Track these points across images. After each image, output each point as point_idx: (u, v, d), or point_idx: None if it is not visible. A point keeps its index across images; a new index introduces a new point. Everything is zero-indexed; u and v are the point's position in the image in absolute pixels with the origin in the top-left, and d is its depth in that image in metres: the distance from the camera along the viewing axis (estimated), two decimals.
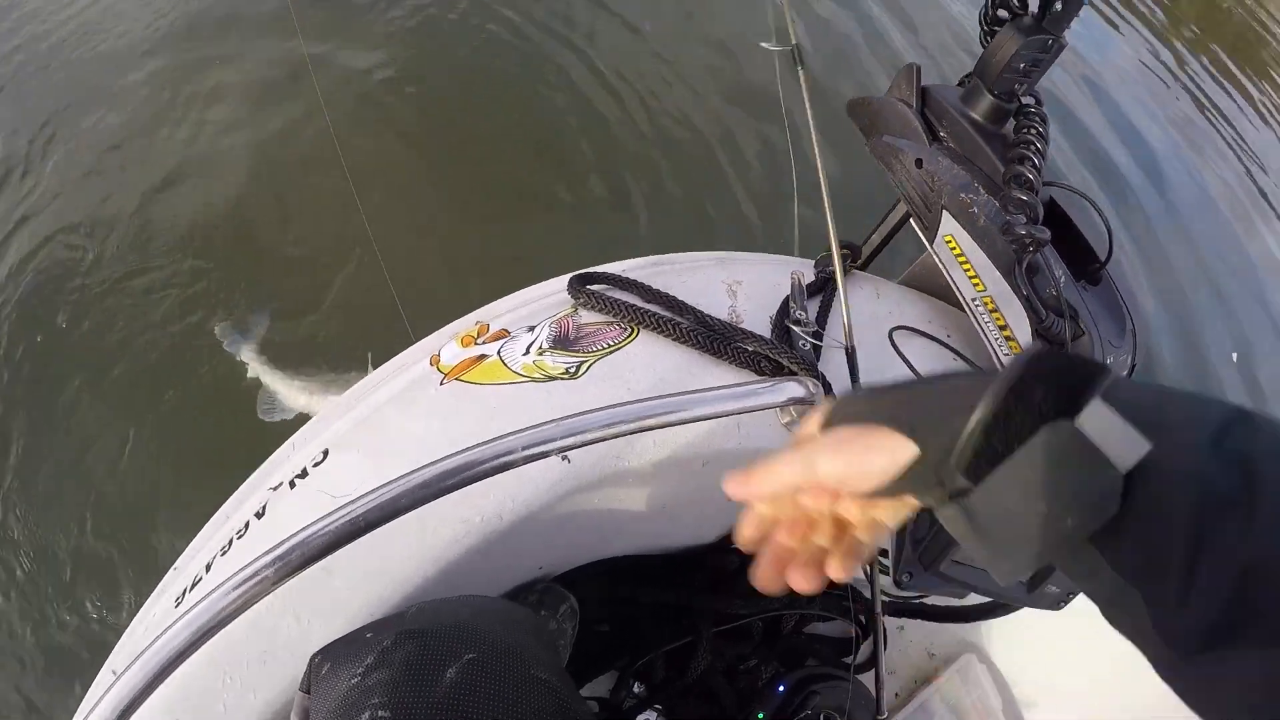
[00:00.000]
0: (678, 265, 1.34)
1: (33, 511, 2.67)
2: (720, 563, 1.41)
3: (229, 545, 1.10)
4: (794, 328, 1.13)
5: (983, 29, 1.49)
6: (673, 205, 3.53)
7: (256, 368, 2.89)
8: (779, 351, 1.08)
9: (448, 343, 1.23)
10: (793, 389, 1.01)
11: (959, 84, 1.56)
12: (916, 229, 1.53)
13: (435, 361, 1.18)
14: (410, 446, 1.06)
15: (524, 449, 0.88)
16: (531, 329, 1.18)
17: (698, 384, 1.08)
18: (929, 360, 1.40)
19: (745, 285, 1.26)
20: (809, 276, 1.32)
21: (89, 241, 3.21)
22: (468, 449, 0.88)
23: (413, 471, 0.87)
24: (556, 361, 1.10)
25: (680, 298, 1.18)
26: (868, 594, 1.55)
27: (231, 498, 1.25)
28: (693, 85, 4.05)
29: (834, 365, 1.17)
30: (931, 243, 1.49)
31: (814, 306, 1.28)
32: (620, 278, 1.23)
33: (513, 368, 1.10)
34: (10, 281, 3.11)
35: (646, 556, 1.25)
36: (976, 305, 1.47)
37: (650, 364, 1.11)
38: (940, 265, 1.51)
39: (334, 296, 3.13)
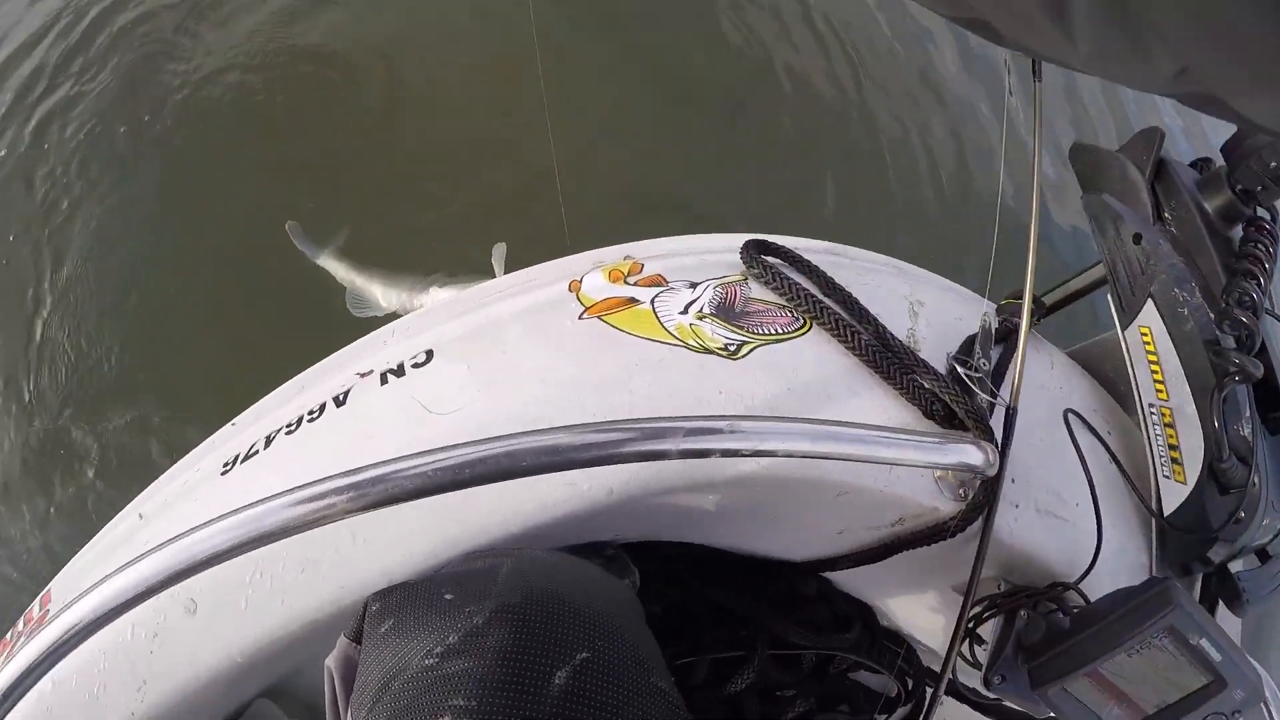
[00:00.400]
0: (858, 262, 1.22)
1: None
2: (799, 586, 1.28)
3: (297, 423, 1.00)
4: (971, 375, 0.98)
5: None
6: (859, 181, 3.26)
7: (338, 267, 2.71)
8: (956, 398, 0.95)
9: (592, 271, 1.11)
10: (971, 454, 0.90)
11: (1192, 165, 1.38)
12: (1111, 306, 1.37)
13: (575, 288, 1.06)
14: (532, 381, 0.95)
15: (684, 439, 0.75)
16: (693, 285, 1.06)
17: (863, 405, 0.98)
18: (1085, 454, 1.24)
19: (927, 309, 1.14)
20: (994, 321, 1.16)
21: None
22: (614, 425, 0.76)
23: (541, 432, 0.75)
24: (716, 332, 0.98)
25: (861, 301, 1.05)
26: (930, 663, 1.43)
27: (313, 369, 1.14)
28: (912, 63, 3.71)
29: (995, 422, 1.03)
30: (1125, 328, 1.34)
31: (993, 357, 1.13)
32: (799, 257, 1.10)
33: (666, 324, 0.98)
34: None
35: (724, 553, 1.12)
36: (1152, 413, 1.31)
37: (818, 367, 0.99)
38: (1125, 355, 1.35)
39: (467, 194, 2.94)
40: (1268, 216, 1.33)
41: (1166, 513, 1.30)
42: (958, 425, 0.99)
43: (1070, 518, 1.16)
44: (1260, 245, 1.29)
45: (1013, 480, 1.04)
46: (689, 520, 1.02)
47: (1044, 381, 1.28)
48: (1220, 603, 1.36)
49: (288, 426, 1.01)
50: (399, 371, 0.99)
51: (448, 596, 0.71)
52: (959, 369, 1.01)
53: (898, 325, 1.06)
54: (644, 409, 0.89)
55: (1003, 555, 1.09)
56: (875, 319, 1.03)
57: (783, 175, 3.20)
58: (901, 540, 1.04)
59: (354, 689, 0.70)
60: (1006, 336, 1.19)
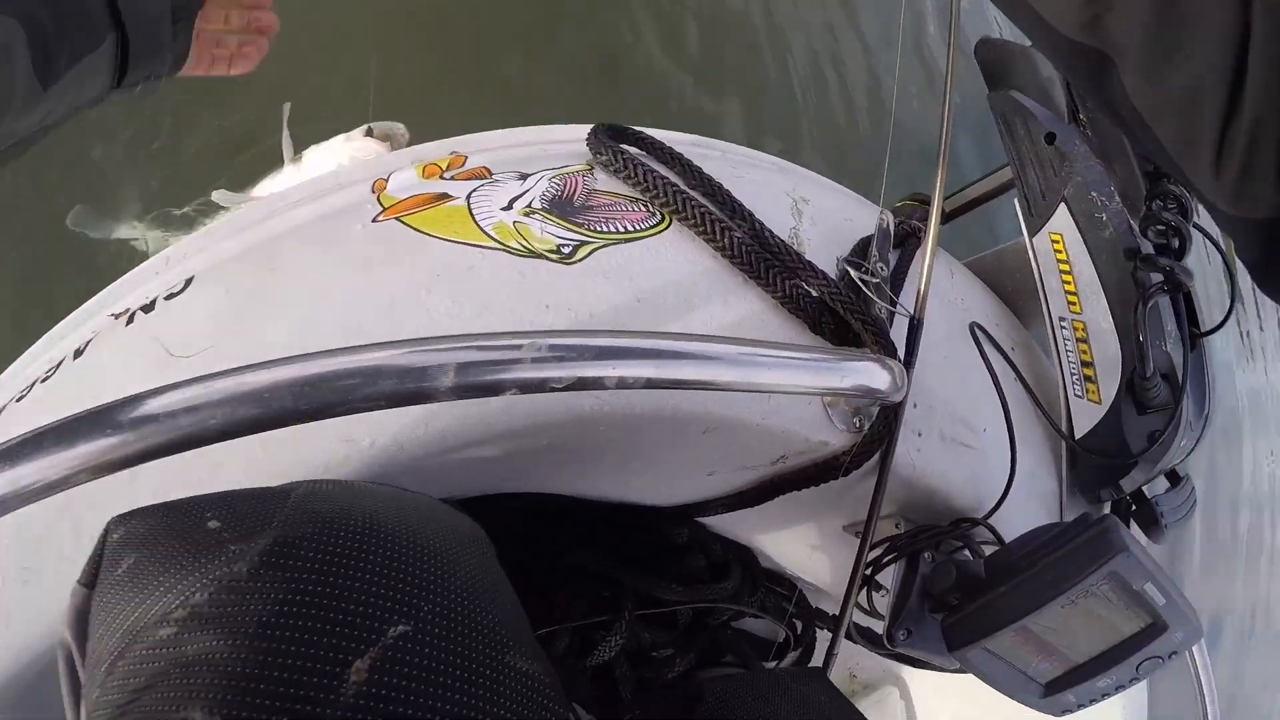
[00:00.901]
0: (731, 156, 1.01)
1: None
2: (667, 534, 1.12)
3: (28, 390, 0.76)
4: (867, 280, 0.81)
5: None
6: (747, 79, 2.96)
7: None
8: (851, 308, 0.76)
9: (406, 168, 0.87)
10: (874, 374, 0.69)
11: None
12: (1018, 211, 1.22)
13: (379, 188, 0.83)
14: (300, 304, 0.72)
15: (458, 374, 0.51)
16: (523, 177, 0.83)
17: (734, 317, 0.77)
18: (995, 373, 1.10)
19: (813, 207, 0.94)
20: (892, 222, 0.99)
21: None
22: (386, 346, 0.51)
23: (282, 362, 0.49)
24: (547, 231, 0.76)
25: (734, 194, 0.84)
26: (820, 603, 1.31)
27: (73, 314, 0.89)
28: None
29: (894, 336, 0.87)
30: (1034, 235, 1.19)
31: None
32: (659, 144, 0.88)
33: (482, 223, 0.75)
34: None
35: (580, 501, 0.93)
36: (1063, 327, 1.17)
37: (677, 271, 0.78)
38: (1033, 264, 1.20)
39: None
40: None
41: (1078, 434, 1.18)
42: (852, 340, 0.80)
43: (978, 445, 1.01)
44: None
45: (914, 405, 0.86)
46: (525, 469, 0.80)
47: (944, 293, 1.11)
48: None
49: (18, 394, 0.77)
50: (149, 307, 0.75)
51: (211, 524, 0.48)
52: (853, 273, 0.81)
53: (778, 224, 0.85)
54: (444, 330, 0.67)
55: (902, 491, 0.93)
56: (751, 214, 0.82)
57: (655, 77, 2.92)
58: (785, 480, 0.86)
59: (87, 654, 0.49)
60: (904, 240, 1.03)
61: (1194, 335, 1.16)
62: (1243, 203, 0.50)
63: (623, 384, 0.53)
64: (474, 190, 0.80)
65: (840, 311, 0.79)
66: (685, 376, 0.57)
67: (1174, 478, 1.21)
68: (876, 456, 0.81)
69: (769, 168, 1.01)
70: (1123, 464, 1.11)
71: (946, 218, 1.33)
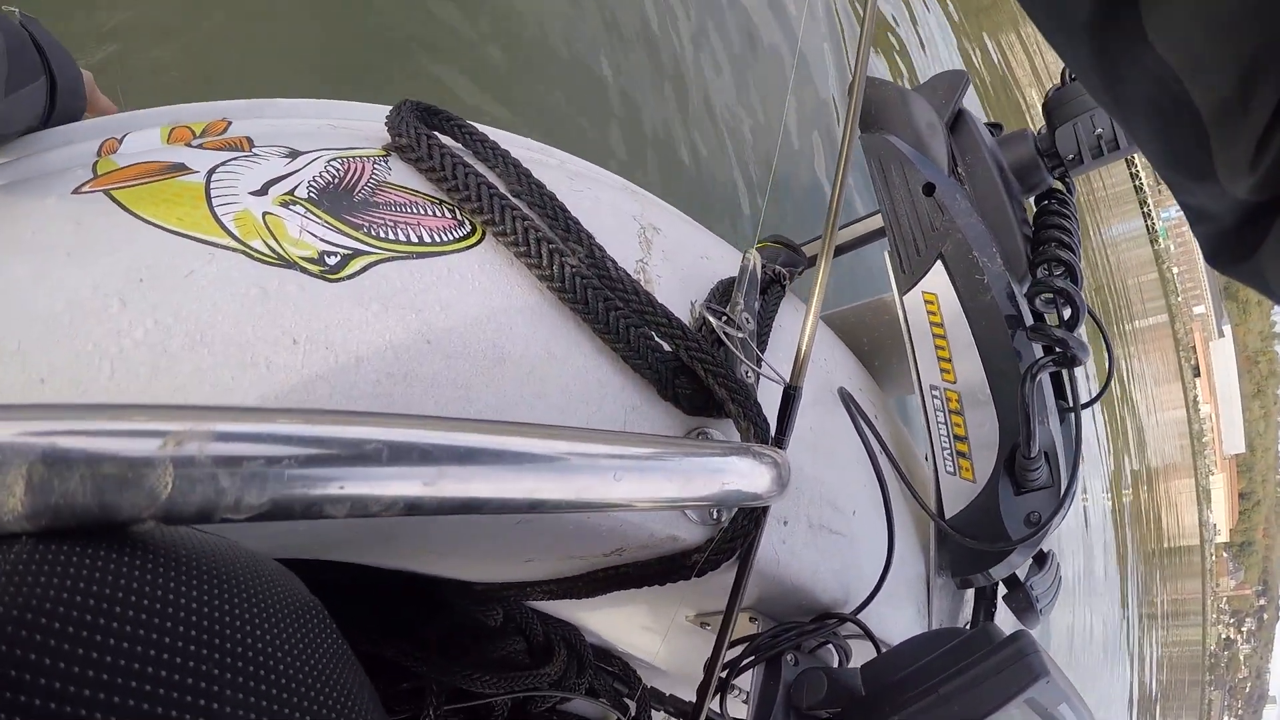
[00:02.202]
0: (570, 167, 0.80)
1: None
2: (478, 615, 0.89)
3: None
4: (731, 335, 0.62)
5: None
6: (602, 98, 2.77)
7: None
8: (714, 370, 0.56)
9: (149, 129, 0.62)
10: (755, 475, 0.48)
11: (988, 126, 1.14)
12: (888, 264, 1.08)
13: (107, 149, 0.59)
14: None
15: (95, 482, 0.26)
16: (293, 155, 0.58)
17: (564, 377, 0.55)
18: (855, 448, 0.93)
19: (665, 239, 0.73)
20: (759, 264, 0.81)
21: None
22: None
23: None
24: (309, 231, 0.51)
25: (573, 214, 0.62)
26: (654, 681, 1.11)
27: None
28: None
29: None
30: (904, 292, 1.04)
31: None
32: (484, 138, 0.65)
33: (219, 210, 0.50)
34: None
35: (373, 573, 0.69)
36: (934, 396, 1.03)
37: (484, 305, 0.54)
38: (903, 326, 1.06)
39: None
40: (1063, 190, 1.11)
41: (948, 514, 1.03)
42: (712, 409, 0.60)
43: (847, 532, 0.84)
44: (1065, 218, 1.06)
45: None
46: (305, 536, 0.59)
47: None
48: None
49: None
50: None
51: None
52: (715, 323, 0.61)
53: (623, 254, 0.64)
54: (137, 369, 0.43)
55: (762, 586, 0.74)
56: (589, 237, 0.60)
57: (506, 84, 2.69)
58: (622, 575, 0.65)
59: None
60: (767, 288, 0.86)
61: (1064, 409, 1.05)
62: (1271, 184, 0.37)
63: (360, 510, 0.30)
64: (219, 164, 0.54)
65: (700, 374, 0.58)
66: (479, 495, 0.34)
67: (1039, 557, 1.08)
68: (736, 554, 0.62)
69: (615, 187, 0.79)
70: (999, 550, 0.97)
71: (810, 262, 1.18)
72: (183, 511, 0.25)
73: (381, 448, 0.30)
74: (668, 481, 0.41)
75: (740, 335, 0.61)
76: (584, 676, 1.02)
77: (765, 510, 0.61)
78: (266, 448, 0.27)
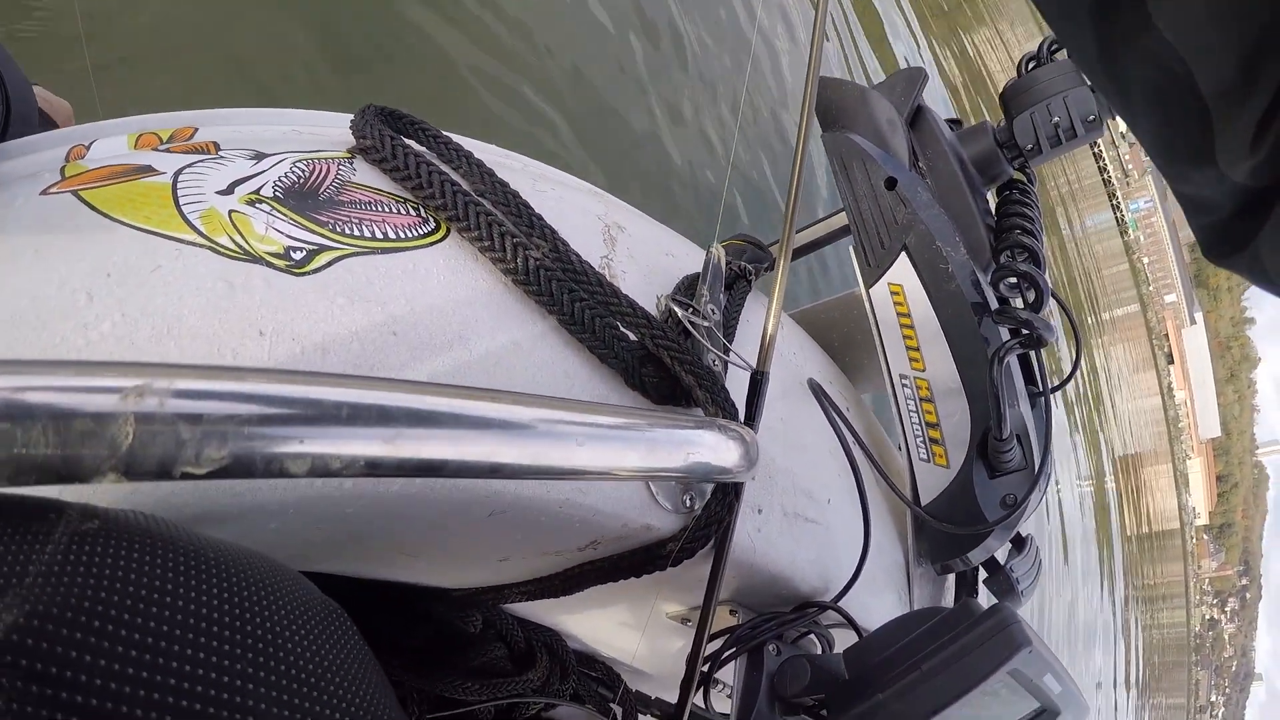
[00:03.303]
0: (532, 170, 0.79)
1: None
2: (458, 623, 0.89)
3: None
4: (697, 324, 0.62)
5: (1030, 61, 1.09)
6: (572, 105, 2.76)
7: None
8: (680, 358, 0.57)
9: (116, 136, 0.62)
10: (723, 448, 0.48)
11: (949, 122, 1.15)
12: (853, 259, 1.09)
13: (75, 155, 0.58)
14: None
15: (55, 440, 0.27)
16: (259, 157, 0.58)
17: (526, 365, 0.55)
18: (828, 439, 0.94)
19: (629, 237, 0.74)
20: (723, 259, 0.82)
21: None
22: None
23: None
24: (275, 229, 0.51)
25: (536, 211, 0.62)
26: (638, 685, 1.11)
27: None
28: None
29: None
30: (870, 285, 1.05)
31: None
32: (448, 141, 0.66)
33: (185, 209, 0.50)
34: None
35: (349, 586, 0.68)
36: (904, 385, 1.03)
37: (449, 297, 0.54)
38: (870, 318, 1.06)
39: None
40: (1024, 180, 1.12)
41: (924, 501, 1.03)
42: (679, 398, 0.60)
43: (822, 520, 0.84)
44: (1027, 206, 1.07)
45: (751, 478, 0.70)
46: (278, 546, 0.57)
47: (777, 345, 0.93)
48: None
49: None
50: None
51: None
52: (680, 313, 0.61)
53: (587, 250, 0.64)
54: (102, 355, 0.43)
55: (740, 576, 0.74)
56: (553, 232, 0.60)
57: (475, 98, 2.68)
58: (597, 569, 0.65)
59: None
60: (733, 283, 0.86)
61: (1034, 393, 1.05)
62: (1271, 168, 0.37)
63: (321, 469, 0.29)
64: (186, 166, 0.54)
65: (667, 361, 0.57)
66: (439, 456, 0.33)
67: (1017, 540, 1.09)
68: (711, 542, 0.62)
69: (579, 189, 0.79)
70: (976, 533, 0.98)
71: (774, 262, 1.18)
72: (143, 464, 0.25)
73: (342, 406, 0.30)
74: (631, 450, 0.41)
75: (706, 324, 0.61)
76: (568, 682, 1.01)
77: (738, 494, 0.61)
78: (227, 404, 0.27)
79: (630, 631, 1.02)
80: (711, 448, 0.46)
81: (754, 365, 0.61)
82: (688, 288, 0.69)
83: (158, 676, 0.26)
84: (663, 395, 0.59)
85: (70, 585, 0.26)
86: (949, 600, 1.13)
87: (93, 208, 0.49)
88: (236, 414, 0.27)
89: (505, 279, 0.56)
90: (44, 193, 0.51)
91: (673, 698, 1.02)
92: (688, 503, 0.61)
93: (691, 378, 0.56)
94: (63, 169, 0.55)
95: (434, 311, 0.51)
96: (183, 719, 0.26)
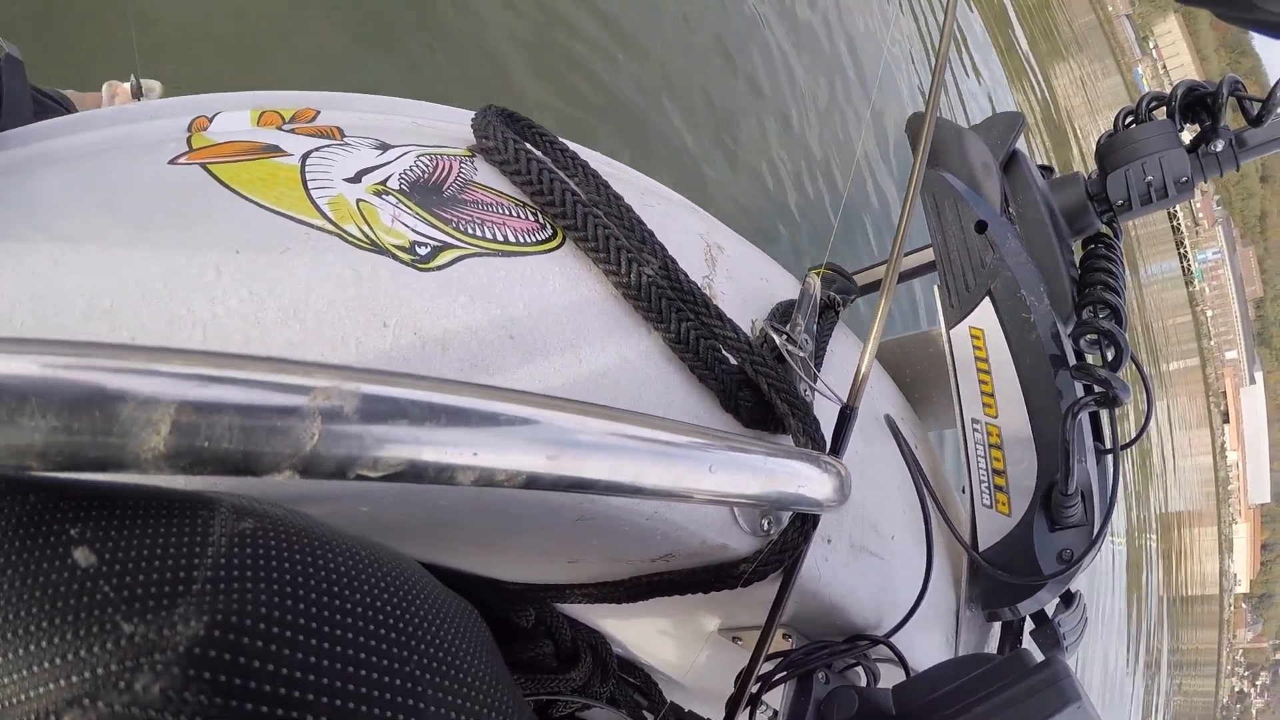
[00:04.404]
0: (637, 184, 0.78)
1: None
2: (511, 616, 0.90)
3: None
4: (794, 353, 0.63)
5: (1128, 116, 1.08)
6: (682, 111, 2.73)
7: None
8: (776, 385, 0.57)
9: (240, 110, 0.63)
10: (817, 481, 0.48)
11: (1040, 169, 1.14)
12: (937, 299, 1.08)
13: (198, 126, 0.59)
14: (29, 272, 0.45)
15: (180, 411, 0.25)
16: (384, 147, 0.59)
17: (635, 379, 0.55)
18: (896, 475, 0.93)
19: (729, 257, 0.74)
20: (818, 288, 0.82)
21: None
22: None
23: None
24: (400, 221, 0.52)
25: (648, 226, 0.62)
26: (674, 695, 1.11)
27: None
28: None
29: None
30: (951, 326, 1.04)
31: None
32: (564, 147, 0.66)
33: (315, 194, 0.51)
34: None
35: None
36: (975, 430, 1.02)
37: (564, 306, 0.55)
38: (948, 359, 1.05)
39: None
40: (1110, 235, 1.10)
41: (982, 546, 1.02)
42: (771, 425, 0.60)
43: (883, 554, 0.84)
44: (1111, 263, 1.05)
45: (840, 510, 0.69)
46: (357, 528, 0.58)
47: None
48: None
49: None
50: None
51: (79, 556, 0.28)
52: (778, 340, 0.61)
53: (689, 269, 0.63)
54: (230, 336, 0.44)
55: (800, 603, 0.73)
56: (663, 249, 0.60)
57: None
58: (667, 582, 0.65)
59: None
60: (823, 313, 0.87)
61: (1101, 450, 1.04)
62: None
63: (486, 479, 0.30)
64: (314, 150, 0.55)
65: (763, 387, 0.58)
66: (594, 476, 0.34)
67: (1066, 595, 1.07)
68: (782, 566, 0.62)
69: (682, 205, 0.80)
70: (1030, 584, 0.96)
71: (861, 291, 1.17)
72: (323, 464, 0.25)
73: (517, 421, 0.30)
74: (753, 479, 0.41)
75: (801, 355, 0.61)
76: (607, 685, 1.01)
77: (815, 524, 0.61)
78: (411, 411, 0.27)
79: (674, 642, 1.02)
80: (812, 480, 0.46)
81: (843, 399, 0.61)
82: (782, 315, 0.69)
83: (340, 682, 0.26)
84: (754, 420, 0.59)
85: (244, 591, 0.26)
86: (992, 647, 1.12)
87: (222, 183, 0.50)
88: (419, 421, 0.27)
89: (616, 292, 0.57)
90: (172, 162, 0.52)
91: (709, 712, 1.02)
92: (765, 526, 0.61)
93: (786, 406, 0.56)
94: (188, 139, 0.56)
95: (549, 318, 0.52)
96: None
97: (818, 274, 1.08)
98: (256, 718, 0.24)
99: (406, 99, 0.70)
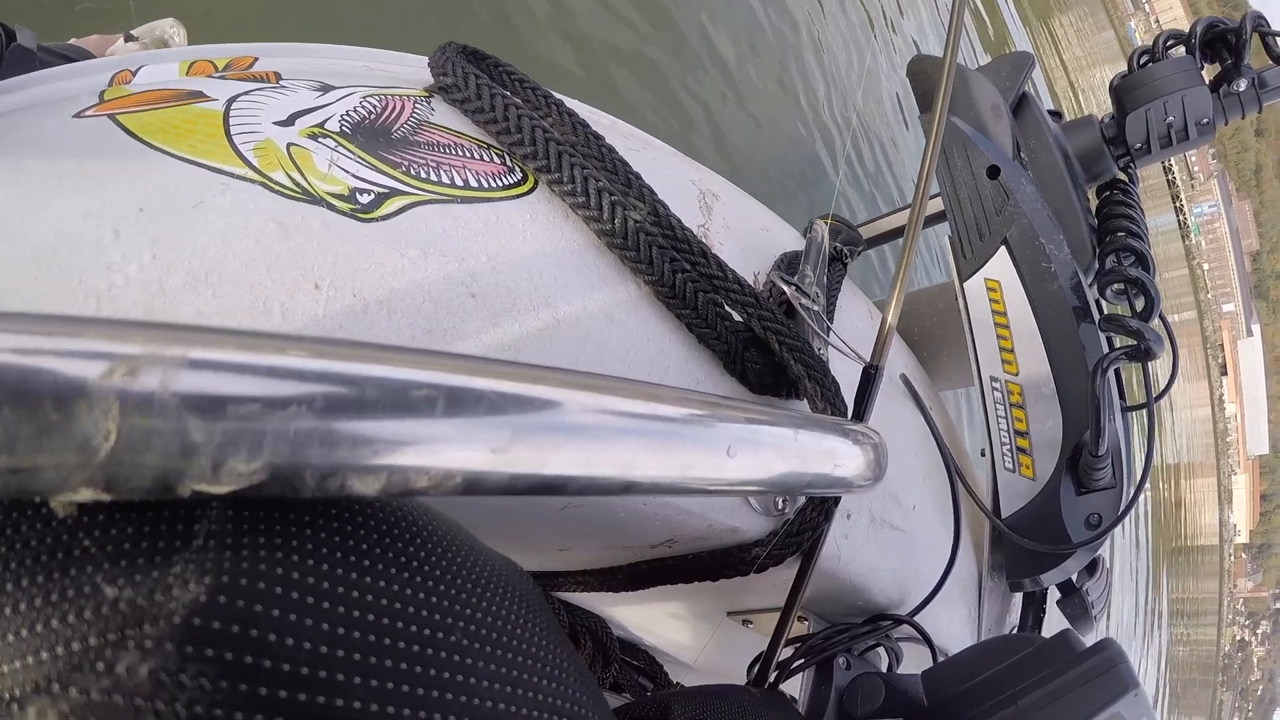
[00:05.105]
0: (621, 128, 0.70)
1: None
2: None
3: None
4: (807, 306, 0.55)
5: (1143, 56, 1.00)
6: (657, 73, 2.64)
7: None
8: (789, 344, 0.49)
9: (168, 63, 0.54)
10: (849, 457, 0.39)
11: (1049, 114, 1.06)
12: (949, 250, 1.00)
13: (120, 80, 0.52)
14: None
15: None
16: (325, 89, 0.49)
17: (624, 342, 0.47)
18: (913, 439, 0.86)
19: (725, 207, 0.65)
20: (826, 236, 0.73)
21: None
22: None
23: None
24: (341, 168, 0.43)
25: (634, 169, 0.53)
26: (680, 677, 1.05)
27: None
28: None
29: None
30: (964, 278, 0.96)
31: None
32: (536, 86, 0.57)
33: (237, 139, 0.42)
34: None
35: None
36: (995, 388, 0.95)
37: (537, 258, 0.46)
38: (963, 314, 0.98)
39: None
40: (1126, 181, 1.02)
41: (1005, 513, 0.95)
42: (783, 389, 0.52)
43: (905, 527, 0.77)
44: (1130, 209, 0.98)
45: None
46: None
47: (866, 335, 0.80)
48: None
49: None
50: None
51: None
52: (789, 292, 0.53)
53: (684, 217, 0.54)
54: (128, 309, 0.35)
55: (818, 584, 0.67)
56: (651, 192, 0.51)
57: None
58: (670, 569, 0.57)
59: None
60: (830, 264, 0.78)
61: (1125, 407, 0.96)
62: None
63: (400, 486, 0.21)
64: (241, 94, 0.46)
65: (774, 346, 0.49)
66: (563, 472, 0.24)
67: (1091, 563, 1.01)
68: (800, 549, 0.55)
69: (668, 152, 0.72)
70: (1060, 552, 0.89)
71: (866, 245, 1.09)
72: (130, 476, 0.16)
73: (435, 395, 0.21)
74: (781, 460, 0.32)
75: (815, 308, 0.53)
76: (609, 670, 0.95)
77: (836, 501, 0.53)
78: (267, 386, 0.18)
79: (680, 624, 0.96)
80: (847, 457, 0.38)
81: (864, 357, 0.53)
82: (789, 265, 0.61)
83: (375, 657, 0.20)
84: (764, 384, 0.51)
85: (256, 548, 0.19)
86: (1014, 620, 1.05)
87: (130, 133, 0.42)
88: (282, 400, 0.18)
89: (598, 241, 0.48)
90: (78, 115, 0.44)
91: None
92: (780, 505, 0.54)
93: (801, 367, 0.48)
94: (102, 93, 0.48)
95: (519, 273, 0.43)
96: (411, 707, 0.20)
97: (826, 221, 1.00)
98: (272, 706, 0.18)
99: (362, 46, 0.61)
